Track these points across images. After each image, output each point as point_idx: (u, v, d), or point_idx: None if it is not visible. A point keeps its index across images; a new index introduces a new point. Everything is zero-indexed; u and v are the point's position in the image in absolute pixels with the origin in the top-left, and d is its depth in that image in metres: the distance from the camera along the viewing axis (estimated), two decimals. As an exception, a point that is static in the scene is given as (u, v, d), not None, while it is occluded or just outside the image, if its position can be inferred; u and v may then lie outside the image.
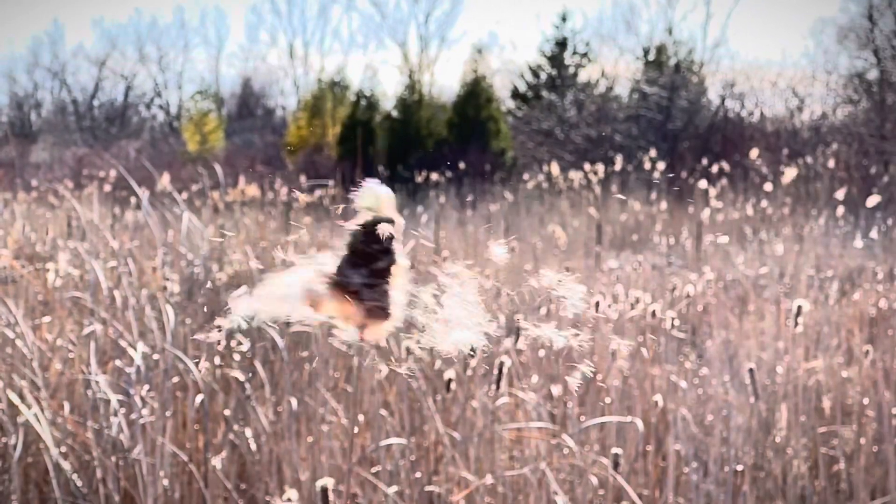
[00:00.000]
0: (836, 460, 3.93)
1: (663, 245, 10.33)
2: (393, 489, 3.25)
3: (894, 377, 4.11)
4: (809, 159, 15.85)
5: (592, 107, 27.03)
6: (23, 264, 4.87)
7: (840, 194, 10.19)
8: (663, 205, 12.92)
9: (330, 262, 1.04)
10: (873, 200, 9.54)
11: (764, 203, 11.79)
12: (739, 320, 5.01)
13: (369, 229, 1.03)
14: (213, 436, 3.62)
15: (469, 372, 3.59)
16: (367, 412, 3.78)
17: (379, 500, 3.30)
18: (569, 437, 3.28)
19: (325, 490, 1.58)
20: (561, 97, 27.57)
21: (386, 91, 34.80)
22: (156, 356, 3.46)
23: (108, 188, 12.07)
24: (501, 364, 2.99)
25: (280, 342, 3.70)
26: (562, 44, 29.44)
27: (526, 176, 17.43)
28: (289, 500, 1.82)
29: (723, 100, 27.59)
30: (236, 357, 3.82)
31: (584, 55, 29.72)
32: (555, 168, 15.01)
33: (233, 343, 3.69)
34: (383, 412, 3.56)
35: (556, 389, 3.80)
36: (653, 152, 15.75)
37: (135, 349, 3.35)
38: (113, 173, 13.08)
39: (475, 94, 26.55)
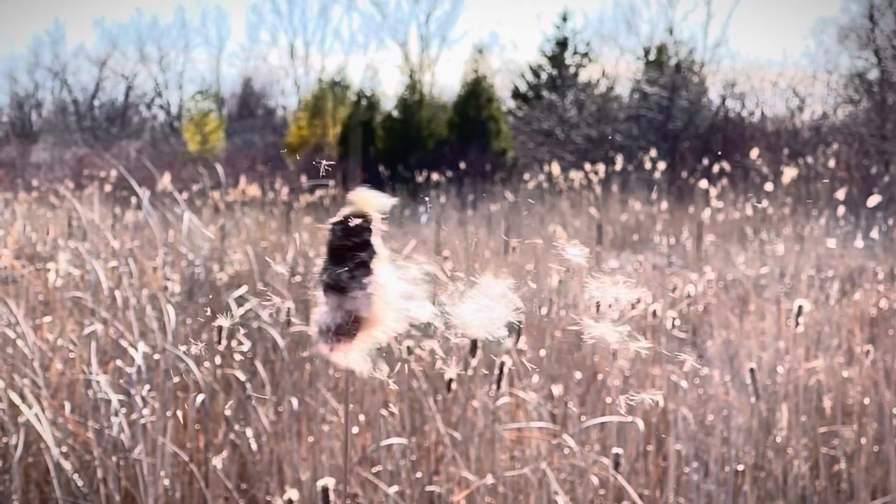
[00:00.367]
0: (837, 460, 3.93)
1: (664, 245, 10.33)
2: (394, 489, 3.25)
3: (895, 377, 4.11)
4: (810, 159, 15.85)
5: (593, 107, 27.03)
6: (24, 264, 4.87)
7: (841, 194, 10.19)
8: (664, 205, 12.92)
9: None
10: (874, 200, 9.54)
11: (764, 203, 11.79)
12: (740, 320, 5.01)
13: (346, 224, 1.05)
14: (214, 436, 3.62)
15: (470, 372, 3.59)
16: (367, 412, 3.78)
17: (380, 500, 3.30)
18: (569, 437, 3.28)
19: (325, 490, 1.58)
20: (561, 97, 27.56)
21: (386, 91, 34.84)
22: (157, 356, 3.46)
23: (108, 188, 12.06)
24: (502, 364, 2.99)
25: (281, 342, 3.71)
26: (562, 44, 29.44)
27: (526, 176, 17.43)
28: (290, 500, 1.82)
29: (723, 100, 27.59)
30: (237, 357, 3.82)
31: (585, 55, 29.72)
32: (555, 168, 15.00)
33: (233, 343, 3.69)
34: (384, 412, 3.56)
35: (557, 389, 3.80)
36: (653, 152, 15.74)
37: (135, 349, 3.35)
38: (114, 173, 13.08)
39: (476, 94, 26.55)
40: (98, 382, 3.25)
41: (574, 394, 3.79)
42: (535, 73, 29.60)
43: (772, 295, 5.35)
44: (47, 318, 4.21)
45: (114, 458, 3.18)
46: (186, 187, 12.08)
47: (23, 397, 3.25)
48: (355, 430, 3.75)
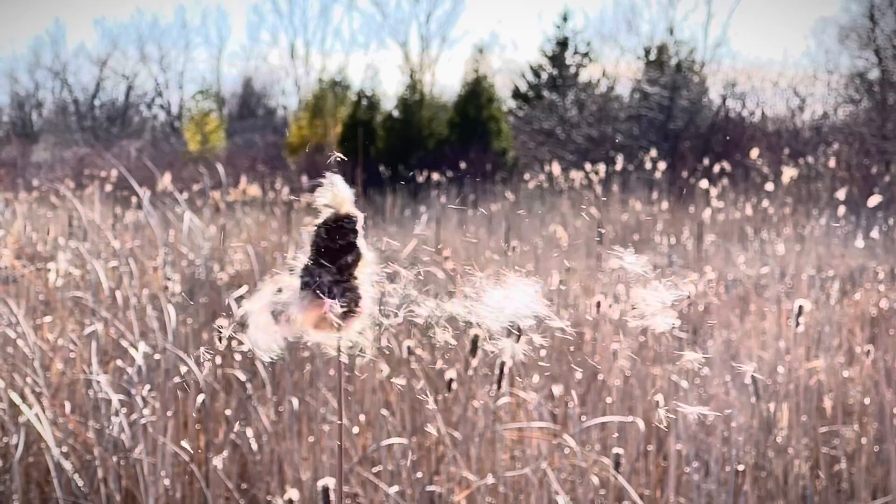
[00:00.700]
0: (838, 460, 3.93)
1: (664, 245, 10.32)
2: (394, 489, 3.25)
3: (895, 377, 4.11)
4: (811, 159, 15.85)
5: (593, 106, 27.02)
6: (24, 264, 4.87)
7: (841, 194, 10.18)
8: (664, 204, 12.92)
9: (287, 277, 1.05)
10: (874, 200, 9.54)
11: (765, 203, 11.79)
12: (741, 320, 5.01)
13: (330, 226, 1.04)
14: (215, 435, 3.62)
15: (470, 372, 3.59)
16: (368, 412, 3.78)
17: (380, 500, 3.30)
18: (570, 437, 3.28)
19: (326, 490, 1.58)
20: (562, 97, 27.56)
21: (387, 91, 34.85)
22: (157, 356, 3.46)
23: (109, 188, 12.06)
24: (502, 364, 2.99)
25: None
26: (563, 43, 29.43)
27: (527, 176, 17.42)
28: (290, 499, 1.82)
29: (724, 99, 27.58)
30: (237, 357, 3.83)
31: (586, 55, 29.71)
32: (556, 168, 15.00)
33: (234, 343, 3.69)
34: (384, 412, 3.56)
35: (557, 389, 3.80)
36: (654, 152, 15.74)
37: (136, 349, 3.35)
38: (114, 173, 13.07)
39: (476, 94, 26.54)
40: (98, 382, 3.25)
41: (575, 393, 3.79)
42: (536, 73, 29.60)
43: (772, 295, 5.35)
44: (48, 318, 4.21)
45: (114, 458, 3.18)
46: (187, 187, 12.08)
47: (23, 397, 3.25)
48: (356, 430, 3.75)
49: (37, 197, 12.34)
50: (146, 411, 3.25)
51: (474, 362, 3.54)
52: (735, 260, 8.19)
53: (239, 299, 4.15)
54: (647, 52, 30.49)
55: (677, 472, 3.59)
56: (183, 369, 3.37)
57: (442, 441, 3.46)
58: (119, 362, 3.66)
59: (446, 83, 47.43)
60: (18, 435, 3.21)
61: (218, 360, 3.74)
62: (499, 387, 2.93)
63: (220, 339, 2.74)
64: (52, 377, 3.63)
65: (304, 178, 15.87)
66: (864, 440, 3.88)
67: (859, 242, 9.53)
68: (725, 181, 13.22)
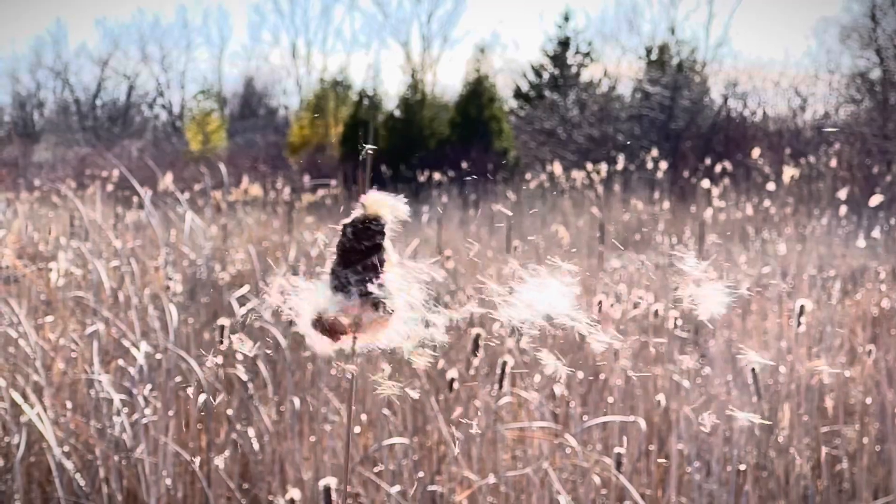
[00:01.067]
0: (839, 460, 3.93)
1: (666, 244, 10.32)
2: (395, 489, 3.25)
3: (897, 377, 4.11)
4: (812, 159, 15.84)
5: (595, 106, 27.01)
6: (26, 264, 4.87)
7: (843, 194, 10.18)
8: (666, 204, 12.91)
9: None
10: (876, 200, 9.53)
11: (767, 202, 11.78)
12: (742, 320, 5.01)
13: (357, 227, 1.03)
14: (216, 435, 3.62)
15: (472, 371, 3.59)
16: (370, 411, 3.78)
17: (381, 500, 3.30)
18: (571, 437, 3.28)
19: (327, 489, 1.57)
20: (563, 97, 27.56)
21: (388, 91, 34.84)
22: (158, 356, 3.46)
23: (110, 188, 12.05)
24: (504, 363, 2.99)
25: (283, 341, 3.71)
26: (564, 43, 29.44)
27: (528, 175, 17.42)
28: (292, 499, 1.82)
29: (725, 99, 27.56)
30: (239, 356, 3.82)
31: (587, 55, 29.72)
32: (557, 168, 15.00)
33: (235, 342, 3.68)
34: (386, 411, 3.56)
35: (559, 389, 3.80)
36: (655, 152, 15.72)
37: (137, 349, 3.35)
38: (115, 173, 13.07)
39: (478, 94, 26.55)
40: (100, 382, 3.25)
41: (576, 393, 3.79)
42: (537, 73, 29.60)
43: (774, 294, 5.34)
44: (49, 318, 4.21)
45: (116, 458, 3.18)
46: (188, 187, 12.08)
47: (25, 397, 3.25)
48: (357, 429, 3.75)
49: (38, 197, 12.35)
50: (148, 411, 3.25)
51: (475, 361, 3.54)
52: (737, 259, 8.18)
53: (240, 299, 4.15)
54: (649, 51, 30.49)
55: (679, 472, 3.58)
56: (185, 370, 3.37)
57: (443, 441, 3.46)
58: (121, 362, 3.66)
59: (448, 83, 47.49)
60: (20, 434, 3.22)
61: (219, 359, 3.74)
62: (500, 386, 2.93)
63: (221, 342, 2.74)
64: (54, 377, 3.63)
65: (306, 178, 15.88)
66: (865, 440, 3.88)
67: (861, 242, 9.53)
68: (727, 181, 13.21)
